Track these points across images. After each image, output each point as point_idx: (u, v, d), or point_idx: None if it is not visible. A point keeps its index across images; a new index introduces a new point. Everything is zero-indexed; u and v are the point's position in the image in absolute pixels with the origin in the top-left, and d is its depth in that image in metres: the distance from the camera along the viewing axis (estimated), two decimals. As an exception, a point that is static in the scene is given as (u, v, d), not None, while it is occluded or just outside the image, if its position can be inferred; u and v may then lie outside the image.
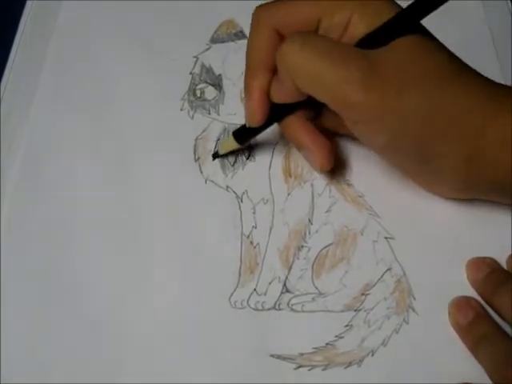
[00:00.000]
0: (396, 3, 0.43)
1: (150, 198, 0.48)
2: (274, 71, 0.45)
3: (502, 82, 0.43)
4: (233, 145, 0.48)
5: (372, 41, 0.42)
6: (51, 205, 0.48)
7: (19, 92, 0.53)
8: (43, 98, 0.52)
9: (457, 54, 0.43)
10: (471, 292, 0.44)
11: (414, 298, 0.44)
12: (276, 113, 0.46)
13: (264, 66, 0.45)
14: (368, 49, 0.42)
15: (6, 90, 0.53)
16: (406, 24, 0.41)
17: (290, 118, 0.47)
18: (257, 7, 0.46)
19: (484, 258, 0.45)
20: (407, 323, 0.43)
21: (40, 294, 0.44)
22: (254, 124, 0.46)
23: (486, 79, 0.42)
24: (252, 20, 0.46)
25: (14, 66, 0.54)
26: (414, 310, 0.44)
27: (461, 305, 0.43)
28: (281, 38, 0.44)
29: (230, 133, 0.48)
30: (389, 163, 0.47)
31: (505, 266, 0.45)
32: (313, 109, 0.47)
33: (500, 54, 0.53)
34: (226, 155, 0.50)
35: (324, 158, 0.46)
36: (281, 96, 0.45)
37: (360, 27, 0.42)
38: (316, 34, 0.44)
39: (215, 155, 0.49)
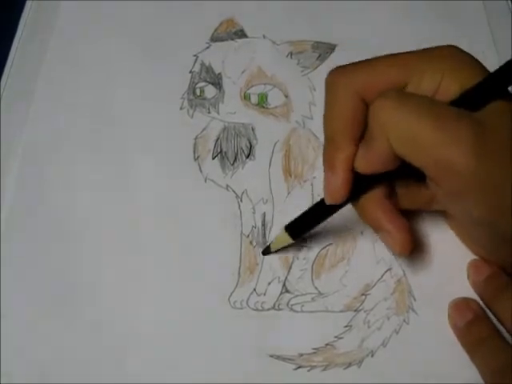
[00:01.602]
0: (484, 66, 0.40)
1: (149, 197, 0.48)
2: (357, 144, 0.41)
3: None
4: (286, 240, 0.45)
5: (470, 101, 0.38)
6: (51, 205, 0.47)
7: (19, 92, 0.53)
8: (43, 97, 0.52)
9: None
10: (472, 293, 0.44)
11: (414, 299, 0.44)
12: (355, 189, 0.42)
13: (348, 135, 0.41)
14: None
15: (6, 89, 0.53)
16: (504, 86, 0.38)
17: (366, 196, 0.42)
18: (333, 70, 0.42)
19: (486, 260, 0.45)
20: (407, 324, 0.43)
21: (40, 294, 0.44)
22: (337, 201, 0.42)
23: None
24: (327, 84, 0.42)
25: (13, 65, 0.54)
26: (414, 310, 0.44)
27: (459, 306, 0.43)
28: (364, 103, 0.40)
29: (283, 228, 0.45)
30: (460, 234, 0.45)
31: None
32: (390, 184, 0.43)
33: (501, 54, 0.53)
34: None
35: (404, 240, 0.42)
36: (370, 164, 0.40)
37: (452, 88, 0.39)
38: (413, 93, 0.40)
39: (265, 251, 0.46)
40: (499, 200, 0.37)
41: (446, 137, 0.37)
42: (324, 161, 0.42)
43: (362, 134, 0.41)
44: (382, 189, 0.42)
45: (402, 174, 0.41)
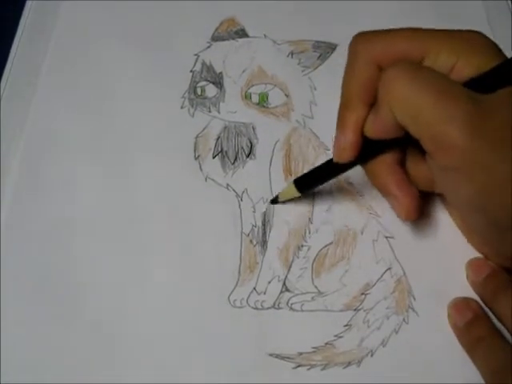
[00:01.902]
0: (501, 51, 0.41)
1: (149, 196, 0.48)
2: (370, 105, 0.43)
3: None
4: (293, 193, 0.46)
5: (481, 84, 0.39)
6: (51, 205, 0.47)
7: (19, 91, 0.53)
8: (43, 97, 0.52)
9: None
10: (471, 293, 0.44)
11: (414, 298, 0.44)
12: (364, 151, 0.44)
13: (361, 99, 0.43)
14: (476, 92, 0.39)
15: (6, 89, 0.53)
16: None
17: (377, 160, 0.44)
18: (355, 36, 0.44)
19: (485, 259, 0.45)
20: (407, 323, 0.43)
21: (40, 294, 0.44)
22: (343, 160, 0.43)
23: None
24: (349, 49, 0.44)
25: (13, 65, 0.54)
26: (413, 310, 0.44)
27: (459, 305, 0.43)
28: (380, 70, 0.42)
29: (291, 181, 0.46)
30: (457, 220, 0.46)
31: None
32: (403, 151, 0.45)
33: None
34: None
35: (411, 205, 0.44)
36: (376, 130, 0.42)
37: (467, 70, 0.40)
38: (426, 66, 0.41)
39: (274, 201, 0.47)
40: (488, 180, 0.38)
41: (444, 113, 0.38)
42: (337, 121, 0.44)
43: (375, 99, 0.42)
44: (393, 155, 0.44)
45: (410, 143, 0.42)
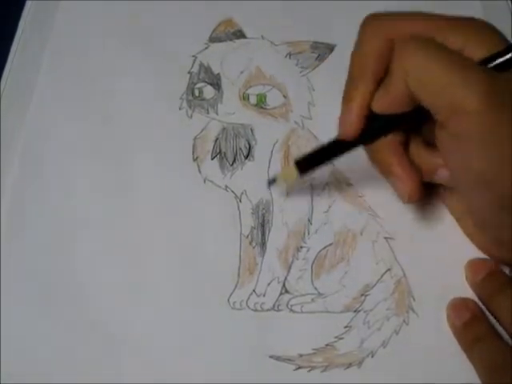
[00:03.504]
0: (507, 39, 0.41)
1: (148, 197, 0.48)
2: (377, 83, 0.42)
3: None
4: (292, 174, 0.45)
5: (493, 64, 0.39)
6: (51, 205, 0.47)
7: (18, 91, 0.52)
8: (42, 97, 0.52)
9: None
10: (471, 293, 0.44)
11: (414, 299, 0.44)
12: (369, 131, 0.43)
13: (369, 76, 0.42)
14: None
15: (5, 89, 0.53)
16: None
17: (381, 141, 0.44)
18: (367, 16, 0.44)
19: (484, 259, 0.45)
20: (407, 324, 0.43)
21: (40, 294, 0.44)
22: (347, 137, 0.43)
23: None
24: (360, 28, 0.43)
25: (13, 65, 0.54)
26: (413, 311, 0.44)
27: (457, 306, 0.43)
28: (389, 48, 0.42)
29: (292, 162, 0.45)
30: (456, 210, 0.46)
31: (506, 270, 0.45)
32: (406, 136, 0.45)
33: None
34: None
35: (413, 187, 0.43)
36: (386, 103, 0.42)
37: (477, 53, 0.40)
38: (438, 42, 0.41)
39: (271, 182, 0.47)
40: (502, 151, 0.38)
41: (460, 79, 0.38)
42: (343, 97, 0.43)
43: (382, 76, 0.42)
44: (397, 136, 0.44)
45: (418, 120, 0.42)
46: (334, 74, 0.52)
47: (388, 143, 0.44)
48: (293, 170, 0.45)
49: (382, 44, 0.42)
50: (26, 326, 0.43)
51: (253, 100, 0.52)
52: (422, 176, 0.44)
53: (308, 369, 0.42)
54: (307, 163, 0.45)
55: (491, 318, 0.43)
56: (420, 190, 0.43)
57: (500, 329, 0.43)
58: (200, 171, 0.49)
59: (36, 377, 0.42)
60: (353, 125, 0.42)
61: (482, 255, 0.45)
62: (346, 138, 0.43)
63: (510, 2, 0.57)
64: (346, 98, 0.43)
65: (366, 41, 0.43)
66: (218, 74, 0.53)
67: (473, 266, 0.45)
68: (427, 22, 0.42)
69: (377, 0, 0.57)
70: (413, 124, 0.43)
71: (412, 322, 0.43)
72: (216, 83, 0.53)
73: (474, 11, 0.55)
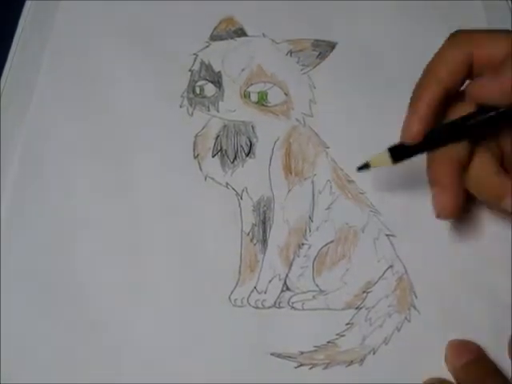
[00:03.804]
0: None
1: (149, 195, 0.48)
2: (448, 90, 0.42)
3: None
4: (386, 161, 0.44)
5: None
6: (51, 205, 0.47)
7: (18, 91, 0.52)
8: (42, 97, 0.52)
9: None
10: (471, 291, 0.44)
11: (416, 296, 0.44)
12: (442, 135, 0.43)
13: (441, 80, 0.42)
14: None
15: (5, 88, 0.52)
16: None
17: (441, 150, 0.42)
18: (457, 30, 0.43)
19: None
20: (409, 321, 0.43)
21: (40, 294, 0.44)
22: (408, 138, 0.42)
23: None
24: (449, 38, 0.43)
25: (12, 65, 0.54)
26: (415, 308, 0.44)
27: (456, 347, 0.42)
28: (469, 66, 0.42)
29: (385, 149, 0.44)
30: None
31: (507, 275, 0.44)
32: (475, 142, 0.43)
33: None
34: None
35: (454, 203, 0.42)
36: (494, 91, 0.40)
37: None
38: None
39: (362, 167, 0.45)
40: None
41: None
42: (411, 97, 0.43)
43: (455, 87, 0.42)
44: (458, 151, 0.42)
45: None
46: (335, 71, 0.53)
47: (448, 153, 0.42)
48: (386, 157, 0.44)
49: (463, 58, 0.42)
50: (26, 326, 0.43)
51: (254, 98, 0.52)
52: (486, 200, 0.43)
53: (309, 366, 0.42)
54: (400, 152, 0.44)
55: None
56: (460, 209, 0.42)
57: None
58: (201, 169, 0.49)
59: (36, 377, 0.42)
60: (414, 126, 0.42)
61: (483, 252, 0.45)
62: (406, 140, 0.42)
63: (510, 2, 0.57)
64: (413, 98, 0.43)
65: (450, 49, 0.42)
66: (219, 71, 0.53)
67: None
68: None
69: (377, 0, 0.57)
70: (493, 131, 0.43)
71: (414, 318, 0.43)
72: (217, 81, 0.53)
73: (475, 11, 0.56)
